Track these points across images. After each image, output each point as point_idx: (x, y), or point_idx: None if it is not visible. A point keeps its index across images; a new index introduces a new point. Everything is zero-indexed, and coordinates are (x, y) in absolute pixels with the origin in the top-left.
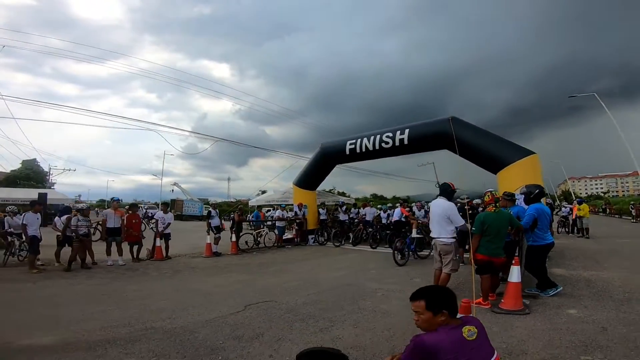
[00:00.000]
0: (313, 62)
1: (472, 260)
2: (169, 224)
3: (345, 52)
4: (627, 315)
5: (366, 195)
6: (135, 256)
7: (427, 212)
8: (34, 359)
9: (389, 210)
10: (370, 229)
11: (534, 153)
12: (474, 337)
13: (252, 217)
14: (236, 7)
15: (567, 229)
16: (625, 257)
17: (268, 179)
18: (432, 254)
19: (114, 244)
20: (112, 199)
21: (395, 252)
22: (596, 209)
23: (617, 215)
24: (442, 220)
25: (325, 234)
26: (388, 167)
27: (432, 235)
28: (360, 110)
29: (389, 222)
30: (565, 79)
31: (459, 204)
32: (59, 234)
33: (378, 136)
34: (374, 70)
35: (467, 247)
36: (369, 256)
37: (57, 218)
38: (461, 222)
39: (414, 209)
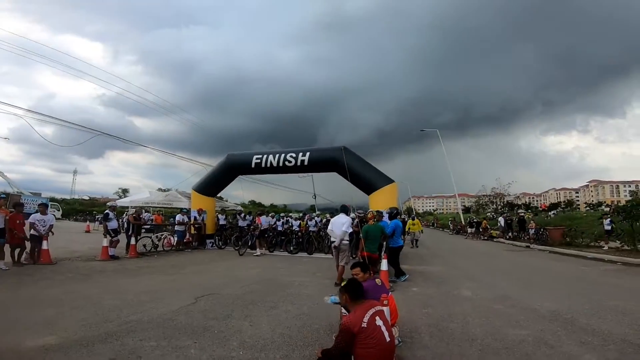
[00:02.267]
0: (206, 59)
1: (360, 256)
2: (52, 225)
3: (243, 55)
4: (441, 290)
5: (244, 201)
6: (17, 260)
7: (317, 223)
8: (62, 356)
9: (282, 220)
10: (266, 235)
11: (394, 182)
12: (380, 283)
13: (174, 220)
14: None
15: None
16: (442, 258)
17: (130, 176)
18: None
19: None
20: (18, 202)
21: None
22: (427, 223)
23: (441, 228)
24: (344, 229)
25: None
26: (266, 175)
27: (334, 239)
28: (248, 115)
29: (284, 229)
30: (421, 109)
31: (356, 217)
32: None
33: (283, 155)
34: (267, 77)
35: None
36: (270, 258)
37: None
38: (350, 229)
39: (305, 219)
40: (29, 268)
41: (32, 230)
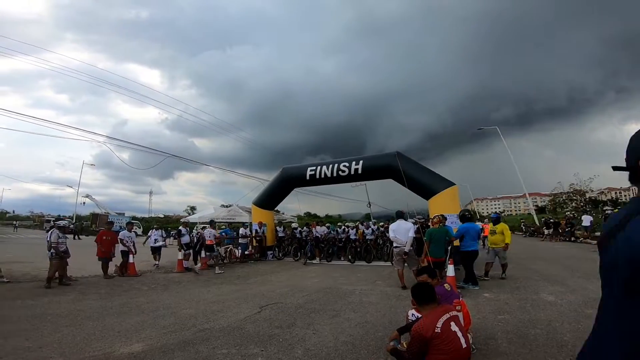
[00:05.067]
0: (252, 76)
1: (426, 259)
2: (134, 241)
3: (285, 68)
4: (518, 296)
5: (300, 213)
6: (106, 272)
7: (374, 231)
8: None
9: (338, 229)
10: (322, 245)
11: (454, 184)
12: (450, 289)
13: (224, 233)
14: (178, 14)
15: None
16: (516, 262)
17: (196, 195)
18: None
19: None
20: (107, 221)
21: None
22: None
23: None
24: (410, 235)
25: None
26: (321, 186)
27: (398, 244)
28: (297, 127)
29: (340, 238)
30: (475, 106)
31: (416, 222)
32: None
33: (336, 165)
34: (311, 89)
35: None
36: (328, 267)
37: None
38: (412, 234)
39: (361, 228)
40: (118, 279)
41: (121, 245)
